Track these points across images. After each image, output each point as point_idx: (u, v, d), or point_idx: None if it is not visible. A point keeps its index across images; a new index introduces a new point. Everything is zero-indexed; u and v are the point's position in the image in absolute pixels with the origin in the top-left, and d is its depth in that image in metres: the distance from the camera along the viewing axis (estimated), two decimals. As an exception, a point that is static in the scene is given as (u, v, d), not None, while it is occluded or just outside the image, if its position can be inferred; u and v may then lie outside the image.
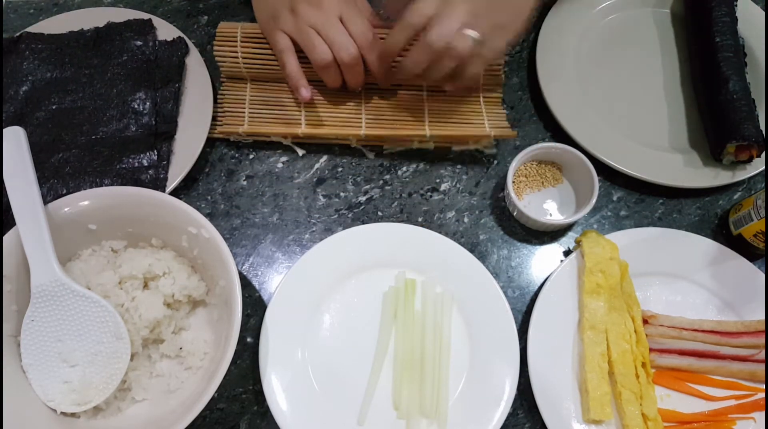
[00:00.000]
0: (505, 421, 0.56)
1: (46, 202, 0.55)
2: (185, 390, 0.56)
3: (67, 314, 0.54)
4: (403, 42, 0.59)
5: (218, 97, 0.70)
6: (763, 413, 0.57)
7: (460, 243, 0.63)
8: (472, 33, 0.56)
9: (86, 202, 0.57)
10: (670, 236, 0.63)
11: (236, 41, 0.68)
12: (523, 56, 0.76)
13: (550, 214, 0.66)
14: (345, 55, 0.61)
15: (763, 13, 0.75)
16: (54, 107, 0.69)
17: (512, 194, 0.63)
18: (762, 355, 0.58)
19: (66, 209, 0.56)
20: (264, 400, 0.56)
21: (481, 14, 0.56)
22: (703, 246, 0.63)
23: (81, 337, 0.54)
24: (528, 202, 0.66)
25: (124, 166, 0.66)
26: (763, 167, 0.67)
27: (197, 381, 0.56)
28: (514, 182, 0.66)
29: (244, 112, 0.69)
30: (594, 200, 0.62)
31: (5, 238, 0.54)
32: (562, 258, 0.65)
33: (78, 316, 0.54)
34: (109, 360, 0.54)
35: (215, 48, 0.68)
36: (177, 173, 0.66)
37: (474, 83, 0.68)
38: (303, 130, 0.67)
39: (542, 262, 0.66)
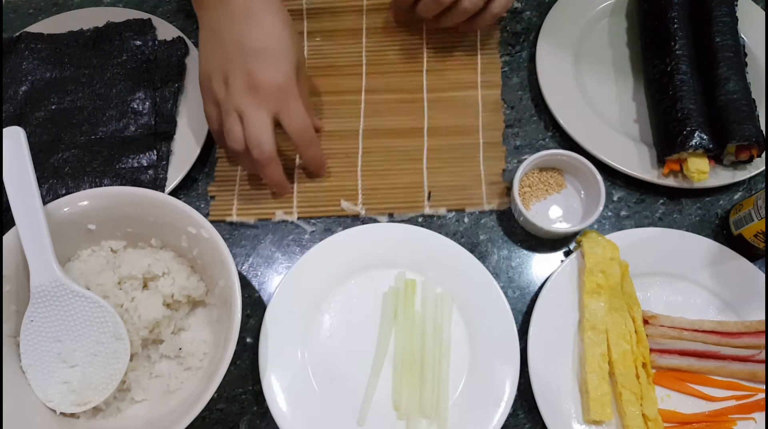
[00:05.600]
0: (505, 421, 0.56)
1: (45, 202, 0.55)
2: (185, 390, 0.56)
3: (66, 314, 0.54)
4: None
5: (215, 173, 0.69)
6: (764, 414, 0.57)
7: (460, 243, 0.63)
8: None
9: (86, 202, 0.56)
10: (671, 236, 0.63)
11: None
12: (523, 56, 0.76)
13: (560, 221, 0.65)
14: (256, 152, 0.58)
15: (763, 13, 0.75)
16: (53, 107, 0.69)
17: (519, 205, 0.62)
18: (762, 355, 0.58)
19: (65, 209, 0.56)
20: (264, 400, 0.56)
21: None
22: (704, 246, 0.63)
23: (80, 337, 0.54)
24: (535, 211, 0.65)
25: (123, 166, 0.66)
26: (764, 167, 0.66)
27: (197, 381, 0.56)
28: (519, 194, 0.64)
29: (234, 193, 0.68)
30: (600, 208, 0.60)
31: (5, 238, 0.54)
32: (563, 258, 0.65)
33: (77, 316, 0.54)
34: (109, 360, 0.54)
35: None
36: (176, 173, 0.66)
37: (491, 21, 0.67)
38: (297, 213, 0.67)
39: (542, 262, 0.65)
